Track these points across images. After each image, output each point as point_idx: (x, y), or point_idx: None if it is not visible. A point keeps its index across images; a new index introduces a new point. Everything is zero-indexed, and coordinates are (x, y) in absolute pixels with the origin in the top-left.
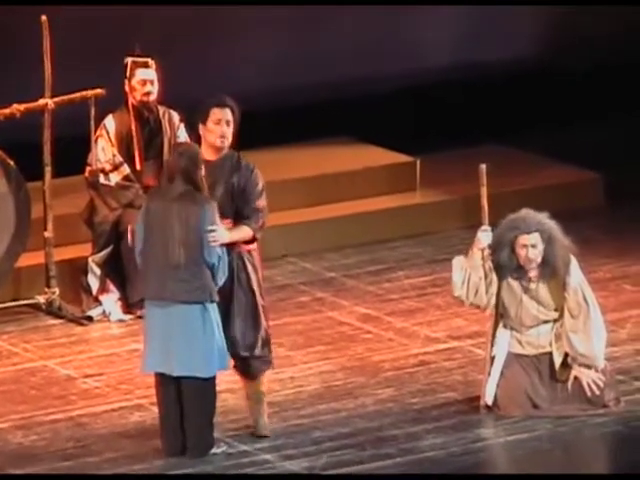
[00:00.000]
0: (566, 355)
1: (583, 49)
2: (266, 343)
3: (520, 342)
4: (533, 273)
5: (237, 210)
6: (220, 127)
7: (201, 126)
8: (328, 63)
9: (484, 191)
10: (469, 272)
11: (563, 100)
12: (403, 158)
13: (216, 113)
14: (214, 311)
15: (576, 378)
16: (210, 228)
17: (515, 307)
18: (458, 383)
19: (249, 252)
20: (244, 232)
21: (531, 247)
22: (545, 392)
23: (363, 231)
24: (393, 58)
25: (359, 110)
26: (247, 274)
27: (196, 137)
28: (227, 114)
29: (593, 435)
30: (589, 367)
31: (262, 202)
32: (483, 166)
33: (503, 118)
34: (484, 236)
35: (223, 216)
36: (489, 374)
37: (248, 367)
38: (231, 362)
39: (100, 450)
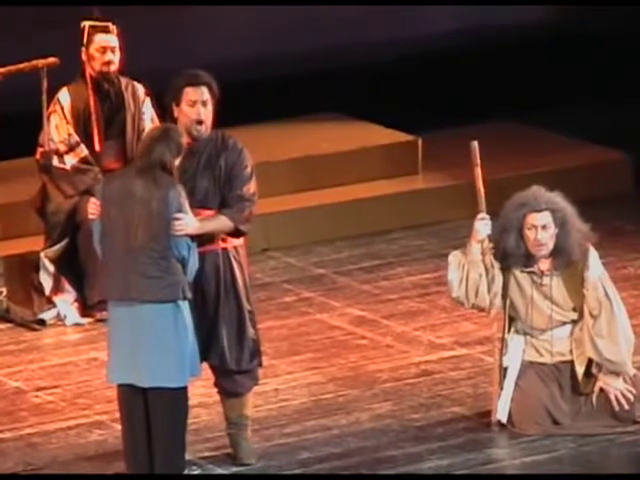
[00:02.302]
0: (589, 364)
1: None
2: (255, 355)
3: (536, 348)
4: (544, 265)
5: (221, 198)
6: (195, 109)
7: (174, 107)
8: (313, 29)
9: (478, 172)
10: (467, 269)
11: (587, 70)
12: (402, 137)
13: (190, 93)
14: (187, 310)
15: (602, 390)
16: (175, 216)
17: (525, 307)
18: (466, 396)
19: (235, 248)
20: (220, 223)
21: (541, 228)
22: (566, 406)
23: (357, 221)
24: (389, 23)
25: (350, 82)
26: (233, 275)
27: (163, 113)
28: (203, 93)
29: (622, 455)
30: (617, 375)
31: (250, 189)
32: (475, 143)
33: (517, 91)
34: (482, 226)
35: (206, 207)
36: (501, 386)
37: (233, 383)
38: (205, 373)
39: (54, 474)
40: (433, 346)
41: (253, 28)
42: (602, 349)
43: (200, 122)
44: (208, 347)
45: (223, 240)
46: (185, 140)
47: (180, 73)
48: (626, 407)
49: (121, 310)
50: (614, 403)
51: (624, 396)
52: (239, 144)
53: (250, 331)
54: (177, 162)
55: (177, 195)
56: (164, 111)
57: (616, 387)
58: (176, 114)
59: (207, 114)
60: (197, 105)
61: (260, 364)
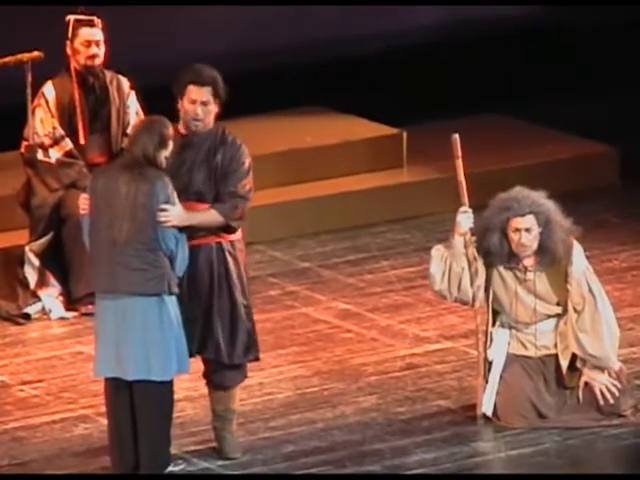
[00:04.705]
0: (574, 357)
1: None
2: (249, 349)
3: (521, 342)
4: (528, 261)
5: (216, 192)
6: (194, 108)
7: (179, 99)
8: (299, 23)
9: (460, 164)
10: (450, 262)
11: (573, 63)
12: (387, 130)
13: (192, 91)
14: (173, 305)
15: (587, 384)
16: (161, 207)
17: (509, 301)
18: (452, 389)
19: (231, 243)
20: (210, 217)
21: (525, 231)
22: (552, 399)
23: (342, 214)
24: (374, 16)
25: (335, 76)
26: (227, 269)
27: (147, 107)
28: (204, 94)
29: (607, 449)
30: (602, 370)
31: (245, 185)
32: (456, 136)
33: (502, 84)
34: (464, 219)
35: (202, 200)
36: (486, 379)
37: (223, 377)
38: (191, 367)
39: (40, 468)
40: (418, 339)
41: (237, 21)
42: (585, 344)
43: (197, 119)
44: (204, 341)
45: (219, 234)
46: (185, 131)
47: (189, 66)
48: (611, 401)
49: (107, 303)
50: (599, 397)
51: (609, 390)
52: (238, 140)
53: (244, 325)
54: (167, 153)
55: (164, 186)
56: (170, 102)
57: (601, 381)
58: (179, 105)
59: (206, 112)
60: (197, 103)
61: (257, 358)
